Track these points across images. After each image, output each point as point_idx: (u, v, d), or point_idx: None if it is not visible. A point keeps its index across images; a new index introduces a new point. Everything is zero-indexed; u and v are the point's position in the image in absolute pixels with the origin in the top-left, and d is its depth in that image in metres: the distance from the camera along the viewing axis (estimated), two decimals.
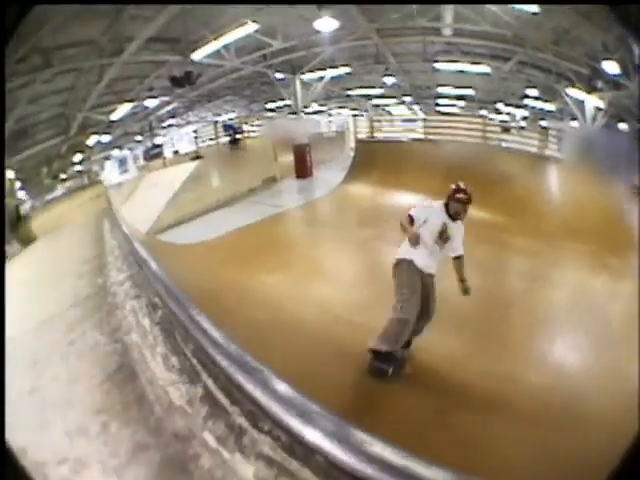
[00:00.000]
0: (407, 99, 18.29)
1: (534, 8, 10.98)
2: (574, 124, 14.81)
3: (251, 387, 2.21)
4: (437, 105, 17.97)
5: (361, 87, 17.79)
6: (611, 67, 11.74)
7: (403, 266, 5.66)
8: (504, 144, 14.64)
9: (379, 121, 17.10)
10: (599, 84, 12.96)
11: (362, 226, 11.57)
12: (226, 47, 13.41)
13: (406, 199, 12.59)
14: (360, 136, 16.18)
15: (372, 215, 12.14)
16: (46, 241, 8.80)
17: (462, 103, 17.69)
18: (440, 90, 17.61)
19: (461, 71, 15.44)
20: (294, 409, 2.12)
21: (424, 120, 16.06)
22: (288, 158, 15.97)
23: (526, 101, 16.37)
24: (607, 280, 9.16)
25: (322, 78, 15.84)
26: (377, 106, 18.75)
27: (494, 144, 14.57)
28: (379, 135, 16.08)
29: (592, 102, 13.51)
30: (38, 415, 2.75)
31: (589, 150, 13.37)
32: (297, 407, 2.13)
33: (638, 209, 10.43)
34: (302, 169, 15.72)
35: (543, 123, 16.09)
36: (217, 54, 13.48)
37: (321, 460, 1.97)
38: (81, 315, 3.87)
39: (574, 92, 13.66)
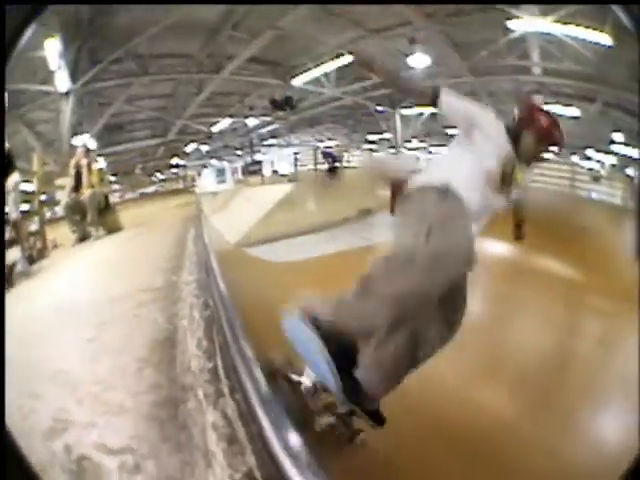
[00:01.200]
0: None
1: (607, 40, 10.70)
2: None
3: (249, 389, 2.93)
4: None
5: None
6: None
7: None
8: (594, 195, 13.98)
9: None
10: None
11: None
12: (326, 75, 13.96)
13: (491, 247, 12.53)
14: None
15: None
16: (131, 233, 9.56)
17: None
18: None
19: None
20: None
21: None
22: (386, 192, 15.40)
23: (613, 147, 15.09)
24: None
25: (421, 114, 15.93)
26: None
27: (582, 194, 14.03)
28: None
29: None
30: (91, 354, 3.70)
31: None
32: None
33: None
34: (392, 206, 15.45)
35: (629, 171, 15.61)
36: (317, 81, 14.09)
37: None
38: (150, 299, 4.71)
39: None
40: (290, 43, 12.85)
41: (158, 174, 15.92)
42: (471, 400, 6.12)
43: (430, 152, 18.23)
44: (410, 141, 16.81)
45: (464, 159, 3.83)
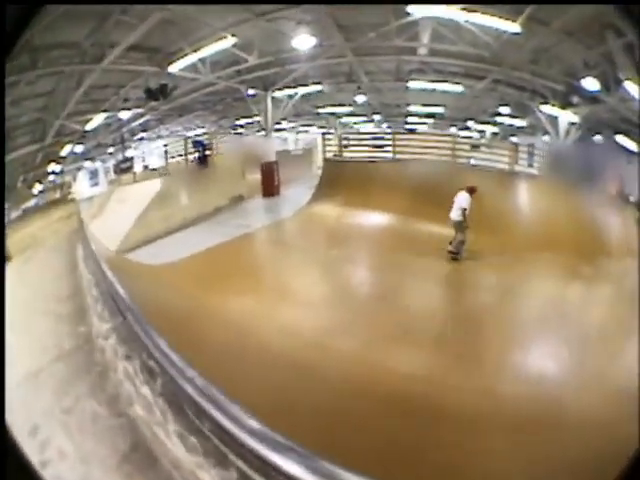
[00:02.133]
0: (376, 117, 18.73)
1: (516, 28, 11.34)
2: (545, 139, 15.68)
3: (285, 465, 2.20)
4: (406, 123, 18.32)
5: (331, 105, 17.98)
6: (590, 83, 12.62)
7: (463, 222, 11.19)
8: (473, 161, 15.00)
9: (347, 139, 17.19)
10: (575, 100, 13.74)
11: (328, 247, 11.61)
12: (202, 61, 13.36)
13: (372, 219, 12.71)
14: (328, 155, 16.20)
15: (338, 236, 12.19)
16: (19, 265, 8.38)
17: (431, 121, 18.11)
18: (410, 108, 17.91)
19: (433, 90, 15.79)
20: None
21: (393, 138, 16.11)
22: (256, 176, 15.74)
23: (497, 118, 17.12)
24: (577, 286, 9.91)
25: (293, 96, 15.93)
26: (346, 124, 18.99)
27: (463, 162, 14.87)
28: (347, 154, 16.22)
29: (566, 117, 14.29)
30: None
31: (562, 163, 14.22)
32: None
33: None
34: (269, 188, 15.57)
35: (514, 139, 16.83)
36: (193, 67, 13.43)
37: None
38: (69, 374, 3.69)
39: (547, 108, 14.44)
40: (173, 27, 12.12)
41: (38, 185, 14.64)
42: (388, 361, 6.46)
43: (298, 132, 18.10)
44: (280, 123, 16.91)
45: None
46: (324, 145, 16.02)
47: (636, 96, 11.52)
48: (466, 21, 11.92)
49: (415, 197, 12.53)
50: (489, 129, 17.81)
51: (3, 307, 2.60)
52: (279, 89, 15.58)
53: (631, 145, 14.67)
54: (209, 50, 12.85)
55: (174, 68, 13.21)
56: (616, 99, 12.47)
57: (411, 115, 18.21)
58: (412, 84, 15.83)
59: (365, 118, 18.65)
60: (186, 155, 16.00)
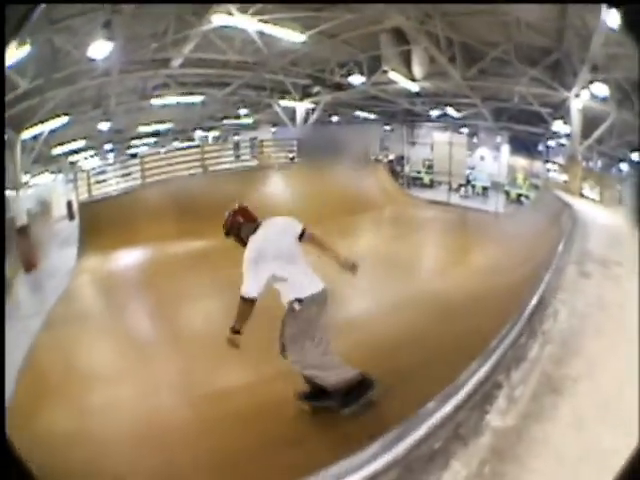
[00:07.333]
0: (108, 146, 16.70)
1: (301, 38, 12.42)
2: (273, 130, 18.53)
3: None
4: (130, 147, 17.55)
5: (70, 141, 14.85)
6: (356, 78, 15.19)
7: None
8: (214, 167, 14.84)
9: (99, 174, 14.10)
10: (315, 90, 16.15)
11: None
12: None
13: (147, 254, 11.16)
14: (82, 197, 12.49)
15: (125, 297, 9.31)
16: None
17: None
18: (144, 129, 16.75)
19: (178, 103, 15.46)
20: None
21: (141, 162, 13.97)
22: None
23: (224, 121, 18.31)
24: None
25: (39, 136, 12.47)
26: (73, 163, 16.14)
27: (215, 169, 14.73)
28: (98, 192, 12.87)
29: (303, 106, 16.65)
30: None
31: (308, 146, 15.96)
32: None
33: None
34: (30, 259, 11.56)
35: (236, 138, 18.60)
36: None
37: None
38: None
39: (285, 102, 16.55)
40: None
41: None
42: None
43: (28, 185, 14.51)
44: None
45: None
46: (76, 188, 12.67)
47: (397, 80, 14.57)
48: (258, 32, 12.44)
49: (180, 216, 11.98)
50: (211, 134, 18.63)
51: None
52: (31, 127, 11.83)
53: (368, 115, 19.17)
54: None
55: None
56: (368, 85, 15.22)
57: (145, 136, 17.15)
58: (155, 101, 14.79)
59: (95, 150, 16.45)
60: None
